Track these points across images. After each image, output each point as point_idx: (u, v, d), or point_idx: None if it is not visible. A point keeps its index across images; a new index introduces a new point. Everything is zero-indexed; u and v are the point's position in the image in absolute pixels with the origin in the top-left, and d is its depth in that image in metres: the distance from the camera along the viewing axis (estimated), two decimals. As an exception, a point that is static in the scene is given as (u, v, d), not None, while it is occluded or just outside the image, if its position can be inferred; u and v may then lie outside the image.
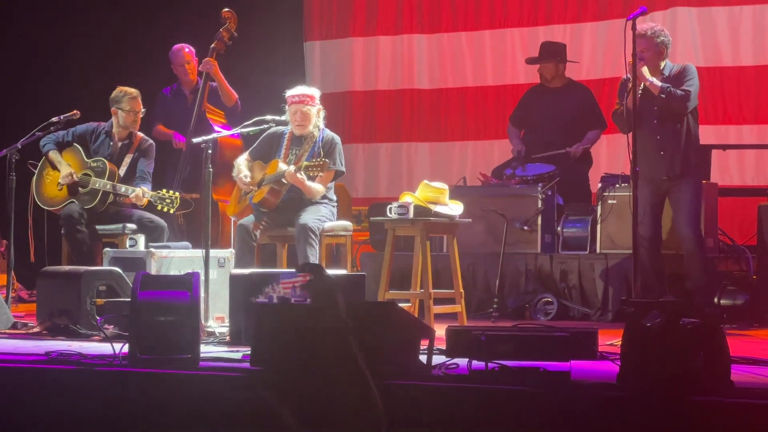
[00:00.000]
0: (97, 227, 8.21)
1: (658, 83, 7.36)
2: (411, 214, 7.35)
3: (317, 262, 7.43)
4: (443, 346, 5.28)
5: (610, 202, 8.53)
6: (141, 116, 8.46)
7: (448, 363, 5.22)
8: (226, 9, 9.38)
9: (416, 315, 7.29)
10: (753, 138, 10.02)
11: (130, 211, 8.30)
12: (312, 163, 7.48)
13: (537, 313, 8.47)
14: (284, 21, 11.54)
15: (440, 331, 5.42)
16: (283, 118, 7.78)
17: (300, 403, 4.16)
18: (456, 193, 8.14)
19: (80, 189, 8.24)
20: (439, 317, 7.39)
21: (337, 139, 7.85)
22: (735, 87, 10.14)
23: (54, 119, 8.23)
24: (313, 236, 7.41)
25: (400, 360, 5.03)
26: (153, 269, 7.42)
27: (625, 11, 9.39)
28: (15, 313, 7.78)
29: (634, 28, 6.82)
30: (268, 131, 7.85)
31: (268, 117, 7.72)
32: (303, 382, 4.36)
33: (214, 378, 5.22)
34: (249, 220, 7.70)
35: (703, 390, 4.53)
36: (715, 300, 7.61)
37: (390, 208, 7.44)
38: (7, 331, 7.15)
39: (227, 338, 6.64)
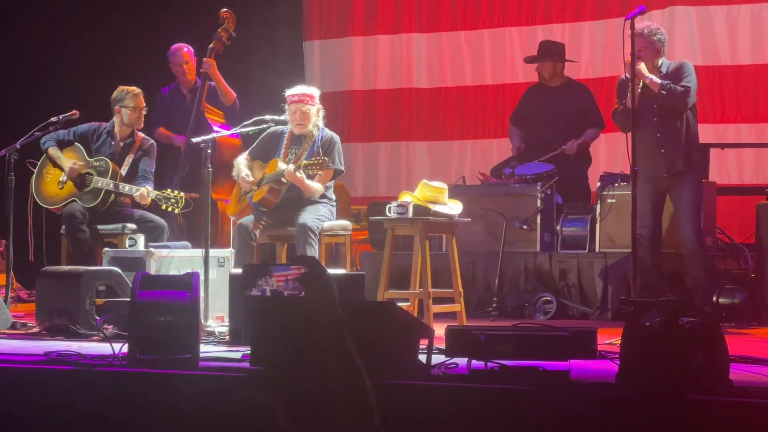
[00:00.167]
0: (98, 227, 8.21)
1: (658, 80, 7.37)
2: (410, 214, 7.35)
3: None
4: (442, 346, 5.29)
5: (609, 200, 8.53)
6: (144, 113, 8.48)
7: (447, 362, 5.22)
8: (225, 9, 9.38)
9: (415, 314, 7.29)
10: (751, 137, 10.03)
11: (131, 211, 8.31)
12: (311, 162, 7.48)
13: (536, 312, 8.48)
14: (284, 20, 11.55)
15: (439, 330, 5.42)
16: (282, 117, 7.79)
17: (293, 396, 4.16)
18: (455, 192, 8.14)
19: (83, 188, 8.24)
20: (439, 316, 7.39)
21: (337, 138, 7.86)
22: (733, 86, 10.15)
23: (53, 119, 8.24)
24: (312, 236, 7.41)
25: (399, 359, 5.03)
26: (152, 269, 7.42)
27: (624, 10, 9.41)
28: (14, 313, 7.78)
29: (632, 27, 6.83)
30: (268, 131, 7.85)
31: (268, 117, 7.72)
32: (297, 374, 4.35)
33: (214, 378, 5.21)
34: (248, 219, 7.70)
35: (702, 389, 4.53)
36: (714, 299, 7.61)
37: (389, 208, 7.45)
38: (7, 331, 7.14)
39: (227, 338, 6.64)
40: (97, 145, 8.44)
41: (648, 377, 4.60)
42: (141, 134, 8.54)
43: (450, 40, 11.19)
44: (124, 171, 8.32)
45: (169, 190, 8.10)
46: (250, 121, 7.66)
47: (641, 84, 7.30)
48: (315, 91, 7.89)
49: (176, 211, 8.08)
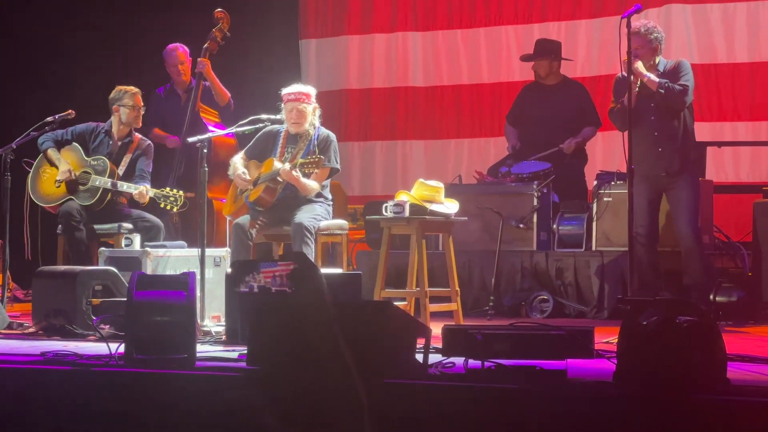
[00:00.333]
0: (95, 227, 8.21)
1: (656, 79, 7.37)
2: (407, 213, 7.35)
3: (312, 261, 7.43)
4: (439, 345, 5.28)
5: (605, 199, 8.54)
6: (142, 113, 8.49)
7: (444, 362, 5.22)
8: (219, 9, 9.39)
9: (412, 313, 7.29)
10: (748, 135, 10.03)
11: (128, 210, 8.32)
12: (307, 160, 7.48)
13: (533, 311, 8.47)
14: (280, 19, 11.54)
15: (436, 329, 5.42)
16: (278, 116, 7.78)
17: (285, 395, 4.16)
18: (451, 191, 8.14)
19: (80, 187, 8.24)
20: (435, 315, 7.40)
21: (333, 136, 7.85)
22: (730, 84, 10.15)
23: (49, 119, 8.27)
24: (308, 235, 7.41)
25: (396, 359, 5.03)
26: (149, 269, 7.42)
27: (620, 8, 9.42)
28: (10, 313, 7.78)
29: (629, 25, 6.82)
30: (264, 130, 7.84)
31: (264, 116, 7.71)
32: (288, 371, 4.34)
33: (211, 378, 5.21)
34: (245, 218, 7.70)
35: (700, 388, 4.54)
36: (711, 297, 7.61)
37: (386, 207, 7.44)
38: (3, 331, 7.13)
39: (223, 337, 6.64)
40: (94, 144, 8.44)
41: (645, 376, 4.60)
42: (138, 135, 8.55)
43: (446, 38, 11.19)
44: (121, 170, 8.31)
45: (167, 189, 8.10)
46: (247, 120, 7.66)
47: (639, 82, 7.30)
48: (311, 90, 7.89)
49: (175, 209, 8.08)
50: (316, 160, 7.47)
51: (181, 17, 10.66)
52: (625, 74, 7.03)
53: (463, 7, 11.11)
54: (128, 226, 8.17)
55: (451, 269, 7.51)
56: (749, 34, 10.09)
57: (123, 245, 7.97)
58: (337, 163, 7.81)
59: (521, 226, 8.69)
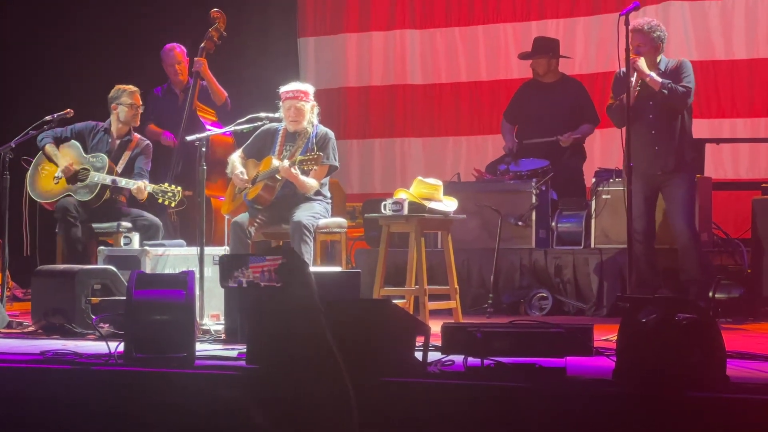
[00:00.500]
0: (93, 225, 8.21)
1: (659, 79, 7.37)
2: (405, 211, 7.35)
3: (312, 259, 7.44)
4: (439, 343, 5.29)
5: (604, 196, 8.54)
6: (141, 111, 8.50)
7: (443, 360, 5.22)
8: (215, 9, 9.41)
9: (411, 311, 7.29)
10: (746, 132, 10.02)
11: (127, 209, 8.34)
12: (306, 157, 7.48)
13: (532, 308, 8.48)
14: (278, 17, 11.53)
15: (435, 327, 5.42)
16: (276, 114, 7.78)
17: (275, 392, 4.16)
18: (450, 189, 8.14)
19: (78, 183, 8.25)
20: (434, 313, 7.39)
21: (331, 134, 7.85)
22: (728, 80, 10.15)
23: (47, 118, 8.28)
24: (307, 233, 7.41)
25: (395, 357, 5.03)
26: (148, 267, 7.42)
27: (618, 6, 9.42)
28: (10, 311, 7.77)
29: (627, 23, 6.82)
30: (262, 128, 7.84)
31: (262, 114, 7.71)
32: (278, 367, 4.34)
33: (210, 376, 5.21)
34: (243, 217, 7.69)
35: (699, 385, 4.54)
36: (710, 294, 7.61)
37: (384, 205, 7.44)
38: (2, 330, 7.13)
39: (222, 336, 6.63)
40: (93, 142, 8.46)
41: (644, 373, 4.60)
42: (137, 135, 8.57)
43: (444, 36, 11.19)
44: (120, 168, 8.33)
45: (165, 184, 8.12)
46: (245, 118, 7.66)
47: (639, 81, 7.29)
48: (309, 88, 7.89)
49: (173, 204, 8.10)
50: (315, 157, 7.47)
51: (179, 17, 10.67)
52: (625, 71, 7.02)
53: (462, 5, 11.11)
54: (127, 224, 8.18)
55: (450, 267, 7.50)
56: (747, 30, 10.09)
57: (122, 244, 7.97)
58: (335, 160, 7.81)
59: (520, 223, 8.69)
